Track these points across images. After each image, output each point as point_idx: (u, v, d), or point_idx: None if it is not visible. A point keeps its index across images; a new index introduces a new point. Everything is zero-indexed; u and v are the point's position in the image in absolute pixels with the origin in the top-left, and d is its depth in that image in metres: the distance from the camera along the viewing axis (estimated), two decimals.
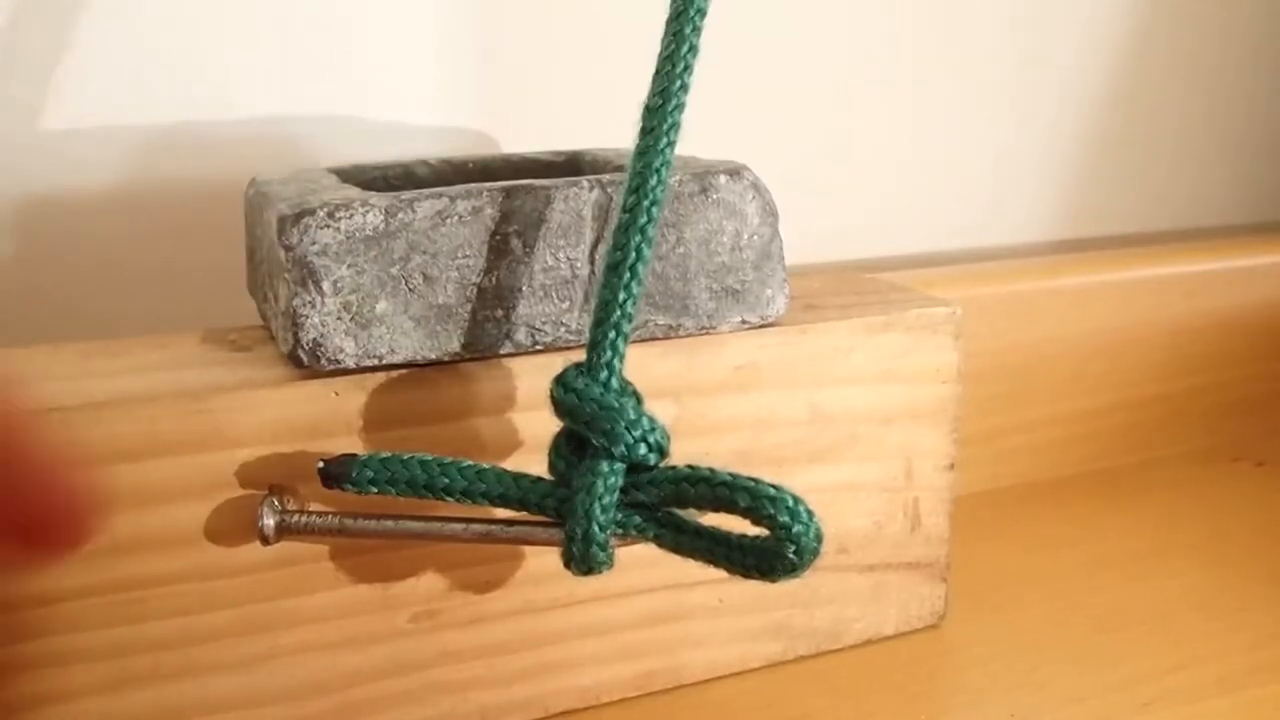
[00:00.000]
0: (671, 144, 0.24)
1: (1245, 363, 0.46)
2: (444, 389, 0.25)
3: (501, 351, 0.25)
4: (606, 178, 0.26)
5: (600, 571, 0.23)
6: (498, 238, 0.25)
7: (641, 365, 0.27)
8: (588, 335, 0.24)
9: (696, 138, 0.33)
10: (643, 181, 0.24)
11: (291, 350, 0.24)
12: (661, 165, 0.24)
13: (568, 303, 0.26)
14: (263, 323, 0.28)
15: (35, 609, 0.23)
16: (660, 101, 0.24)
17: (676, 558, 0.28)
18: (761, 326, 0.28)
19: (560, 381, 0.23)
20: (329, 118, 0.34)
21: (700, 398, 0.27)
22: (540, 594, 0.27)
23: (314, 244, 0.24)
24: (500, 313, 0.25)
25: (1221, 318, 0.45)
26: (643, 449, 0.23)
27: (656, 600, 0.28)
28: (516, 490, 0.23)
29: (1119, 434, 0.44)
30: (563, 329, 0.26)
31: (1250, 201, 0.53)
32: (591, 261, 0.26)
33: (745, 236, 0.27)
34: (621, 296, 0.23)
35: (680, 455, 0.27)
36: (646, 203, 0.23)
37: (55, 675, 0.23)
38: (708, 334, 0.27)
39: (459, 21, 0.35)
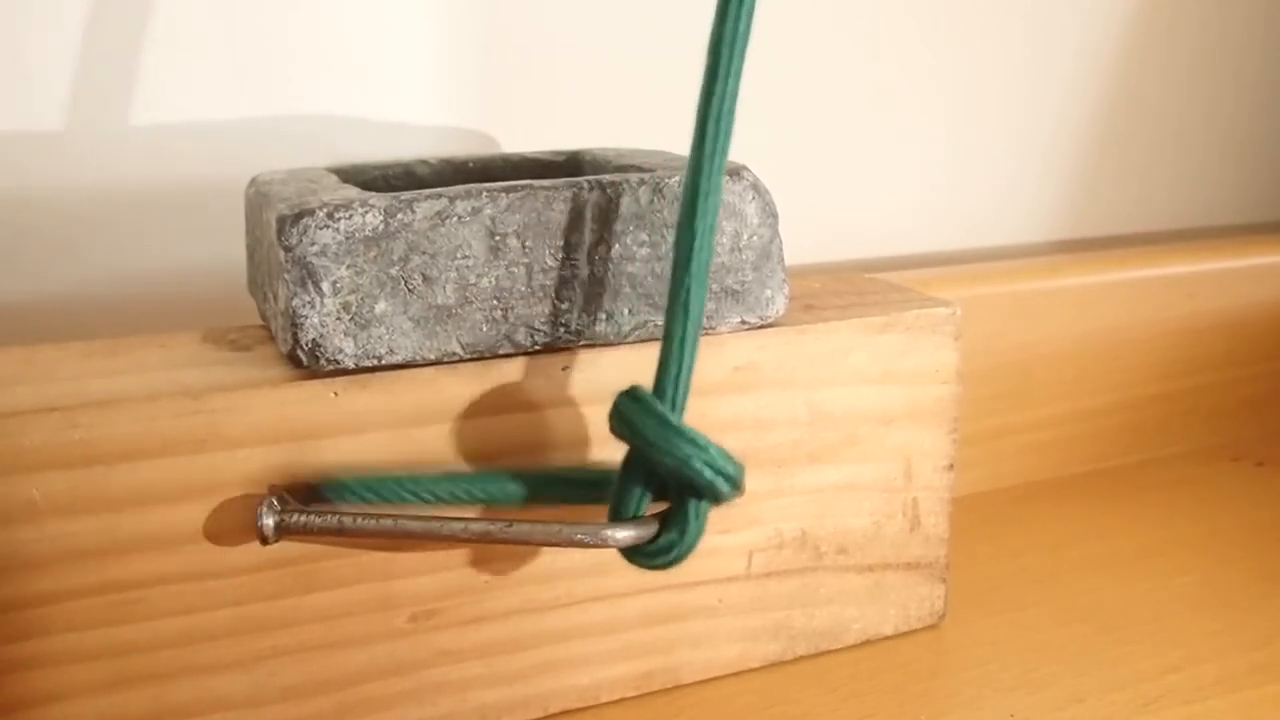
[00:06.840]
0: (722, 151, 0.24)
1: (1245, 363, 0.46)
2: (443, 390, 0.25)
3: (501, 352, 0.25)
4: (606, 178, 0.26)
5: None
6: (497, 238, 0.25)
7: (641, 365, 0.27)
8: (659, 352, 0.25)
9: None
10: (696, 178, 0.24)
11: (291, 350, 0.24)
12: (714, 172, 0.24)
13: (567, 303, 0.26)
14: (262, 322, 0.28)
15: (34, 609, 0.23)
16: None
17: None
18: (761, 327, 0.28)
19: (635, 399, 0.24)
20: (329, 117, 0.34)
21: (699, 398, 0.27)
22: (539, 593, 0.27)
23: (313, 244, 0.24)
24: (499, 313, 0.25)
25: (1221, 318, 0.45)
26: (727, 488, 0.24)
27: (656, 600, 0.28)
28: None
29: (1119, 434, 0.44)
30: (562, 330, 0.26)
31: (1250, 201, 0.53)
32: (591, 262, 0.26)
33: (745, 237, 0.27)
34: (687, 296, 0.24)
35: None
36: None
37: (54, 675, 0.23)
38: (707, 334, 0.27)
39: (459, 22, 0.36)
